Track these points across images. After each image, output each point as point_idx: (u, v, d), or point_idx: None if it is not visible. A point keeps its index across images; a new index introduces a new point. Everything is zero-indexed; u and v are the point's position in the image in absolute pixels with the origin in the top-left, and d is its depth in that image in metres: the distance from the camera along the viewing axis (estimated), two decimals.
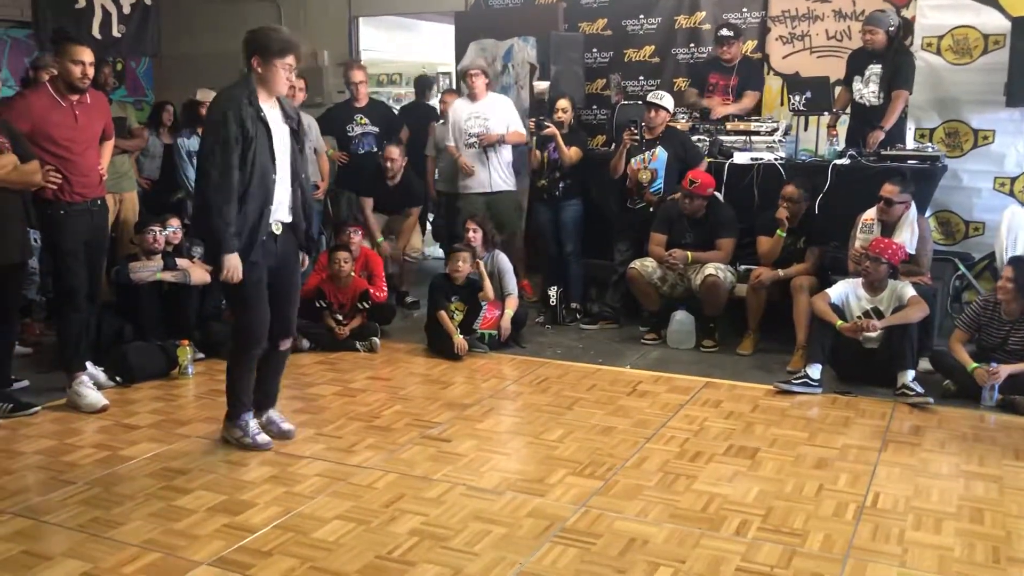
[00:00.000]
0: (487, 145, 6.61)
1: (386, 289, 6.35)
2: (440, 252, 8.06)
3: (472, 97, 6.74)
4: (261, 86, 3.85)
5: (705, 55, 7.24)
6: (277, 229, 3.99)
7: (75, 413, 4.60)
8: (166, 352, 5.25)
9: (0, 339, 4.55)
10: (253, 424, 4.14)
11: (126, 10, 7.79)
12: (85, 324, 4.78)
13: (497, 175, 6.70)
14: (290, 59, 3.85)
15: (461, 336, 5.66)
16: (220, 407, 4.63)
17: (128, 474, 3.83)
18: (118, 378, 5.04)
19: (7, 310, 4.53)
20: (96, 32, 7.48)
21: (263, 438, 4.11)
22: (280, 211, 3.99)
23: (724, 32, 6.64)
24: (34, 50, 7.70)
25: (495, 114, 6.66)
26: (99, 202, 4.78)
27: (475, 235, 6.04)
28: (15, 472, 3.85)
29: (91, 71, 4.57)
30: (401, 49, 11.24)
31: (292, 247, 4.13)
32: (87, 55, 4.54)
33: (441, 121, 7.40)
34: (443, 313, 5.72)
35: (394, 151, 6.76)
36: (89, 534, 3.27)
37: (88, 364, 4.86)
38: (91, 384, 4.75)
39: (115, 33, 7.69)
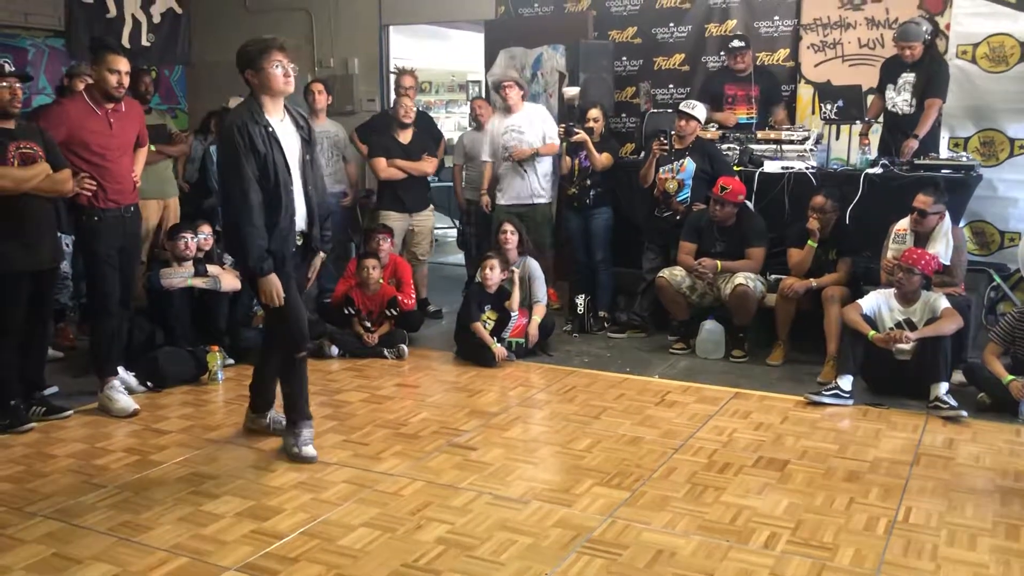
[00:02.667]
0: (521, 160, 6.55)
1: (415, 296, 6.37)
2: (463, 259, 8.03)
3: (507, 109, 6.66)
4: (265, 96, 3.84)
5: (717, 67, 7.17)
6: (299, 240, 4.01)
7: (106, 417, 4.65)
8: (196, 358, 5.29)
9: (34, 343, 4.60)
10: (306, 434, 4.08)
11: (156, 19, 7.88)
12: (118, 329, 4.84)
13: (533, 188, 6.63)
14: (276, 56, 3.80)
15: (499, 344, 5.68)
16: None
17: (157, 479, 3.86)
18: (149, 383, 5.09)
19: (40, 314, 4.58)
20: (125, 41, 7.58)
21: (309, 451, 4.04)
22: (298, 222, 4.00)
23: (736, 43, 6.62)
24: (71, 59, 7.81)
25: (531, 126, 6.60)
26: (132, 208, 4.83)
27: (512, 237, 6.01)
28: (47, 475, 3.90)
29: (127, 80, 4.64)
30: (431, 58, 11.28)
31: (303, 256, 4.14)
32: (123, 64, 4.61)
33: (471, 127, 7.37)
34: (479, 325, 5.72)
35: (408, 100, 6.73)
36: (119, 538, 3.30)
37: (120, 369, 4.92)
38: (122, 389, 4.81)
39: (144, 42, 7.79)
